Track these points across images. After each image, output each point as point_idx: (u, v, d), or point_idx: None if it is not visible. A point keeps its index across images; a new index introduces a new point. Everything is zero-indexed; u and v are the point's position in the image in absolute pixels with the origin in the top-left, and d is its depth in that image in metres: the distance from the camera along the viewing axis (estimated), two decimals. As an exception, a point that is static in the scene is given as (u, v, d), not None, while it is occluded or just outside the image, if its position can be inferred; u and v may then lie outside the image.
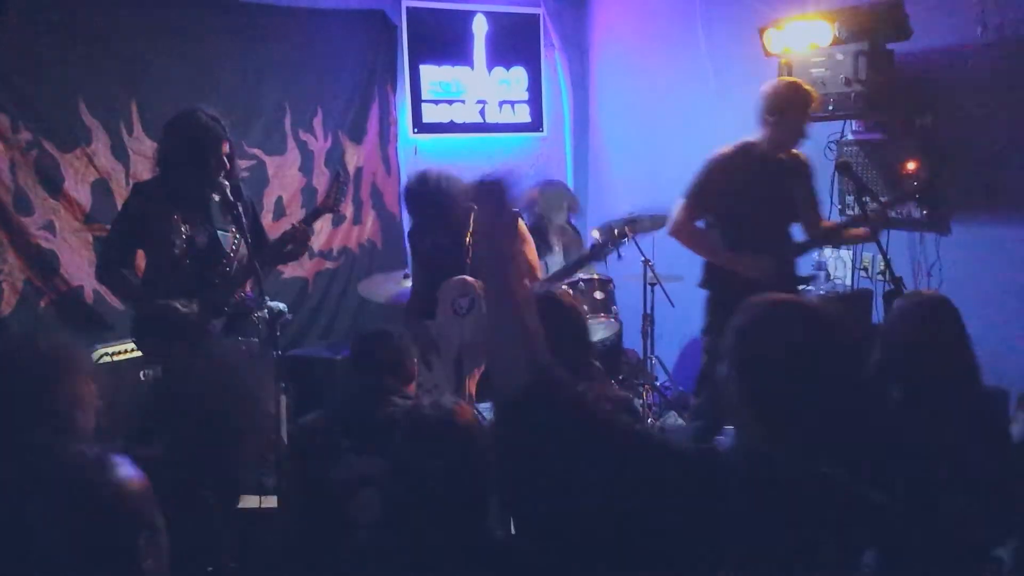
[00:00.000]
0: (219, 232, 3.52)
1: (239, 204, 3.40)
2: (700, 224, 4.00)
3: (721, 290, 3.93)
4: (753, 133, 3.91)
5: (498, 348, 1.57)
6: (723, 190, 3.86)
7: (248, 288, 3.61)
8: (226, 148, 3.45)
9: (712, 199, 3.91)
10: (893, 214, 4.19)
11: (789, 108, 3.80)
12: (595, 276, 4.98)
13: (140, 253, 3.62)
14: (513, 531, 2.26)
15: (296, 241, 3.62)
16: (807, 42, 4.32)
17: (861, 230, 3.88)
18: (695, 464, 1.53)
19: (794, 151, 3.98)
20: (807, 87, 3.87)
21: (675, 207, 3.96)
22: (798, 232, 4.11)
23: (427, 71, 5.94)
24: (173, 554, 1.40)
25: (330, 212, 3.83)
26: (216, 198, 3.48)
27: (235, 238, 3.53)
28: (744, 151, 3.89)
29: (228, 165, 3.46)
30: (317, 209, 3.80)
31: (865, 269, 4.58)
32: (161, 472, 1.65)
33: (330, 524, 2.40)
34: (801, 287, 4.09)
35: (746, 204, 3.83)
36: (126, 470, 1.34)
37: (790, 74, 4.37)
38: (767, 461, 1.51)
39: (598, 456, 1.50)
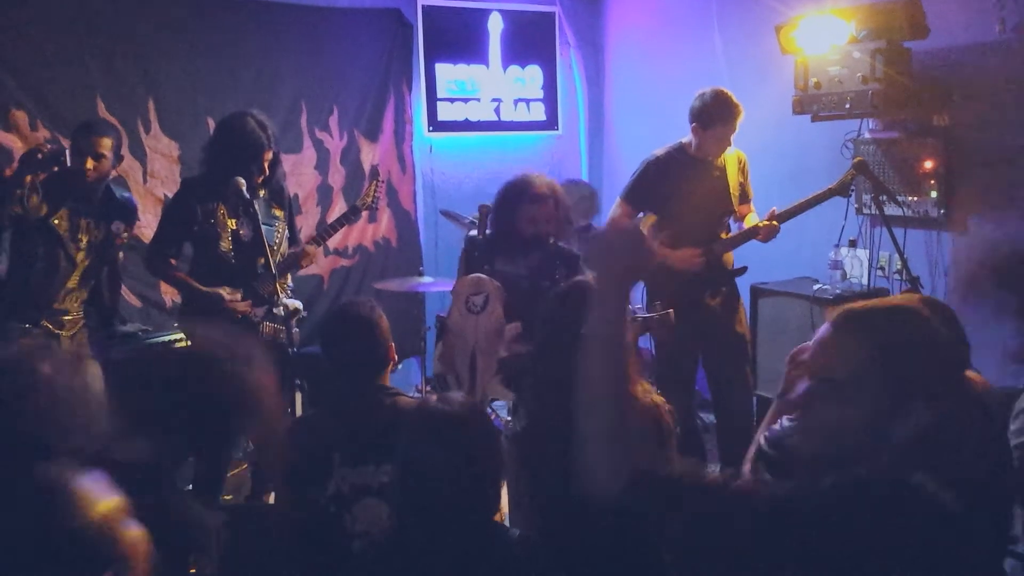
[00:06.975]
0: (264, 226, 3.62)
1: (255, 203, 3.54)
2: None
3: (652, 282, 4.11)
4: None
5: (591, 444, 1.37)
6: (656, 189, 4.09)
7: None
8: (268, 155, 3.63)
9: (646, 197, 4.15)
10: (910, 212, 4.18)
11: (711, 120, 3.98)
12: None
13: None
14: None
15: (302, 263, 3.92)
16: (824, 40, 4.29)
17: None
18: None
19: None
20: (733, 100, 3.99)
21: (614, 205, 4.24)
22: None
23: (442, 69, 5.96)
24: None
25: (368, 210, 4.21)
26: (261, 193, 3.68)
27: (278, 233, 3.74)
28: (676, 153, 4.14)
29: (268, 172, 3.64)
30: (355, 207, 4.13)
31: (882, 268, 4.56)
32: (146, 475, 1.56)
33: (327, 537, 2.27)
34: (736, 278, 4.25)
35: (678, 202, 4.03)
36: (96, 492, 1.19)
37: (806, 73, 4.34)
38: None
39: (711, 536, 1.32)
